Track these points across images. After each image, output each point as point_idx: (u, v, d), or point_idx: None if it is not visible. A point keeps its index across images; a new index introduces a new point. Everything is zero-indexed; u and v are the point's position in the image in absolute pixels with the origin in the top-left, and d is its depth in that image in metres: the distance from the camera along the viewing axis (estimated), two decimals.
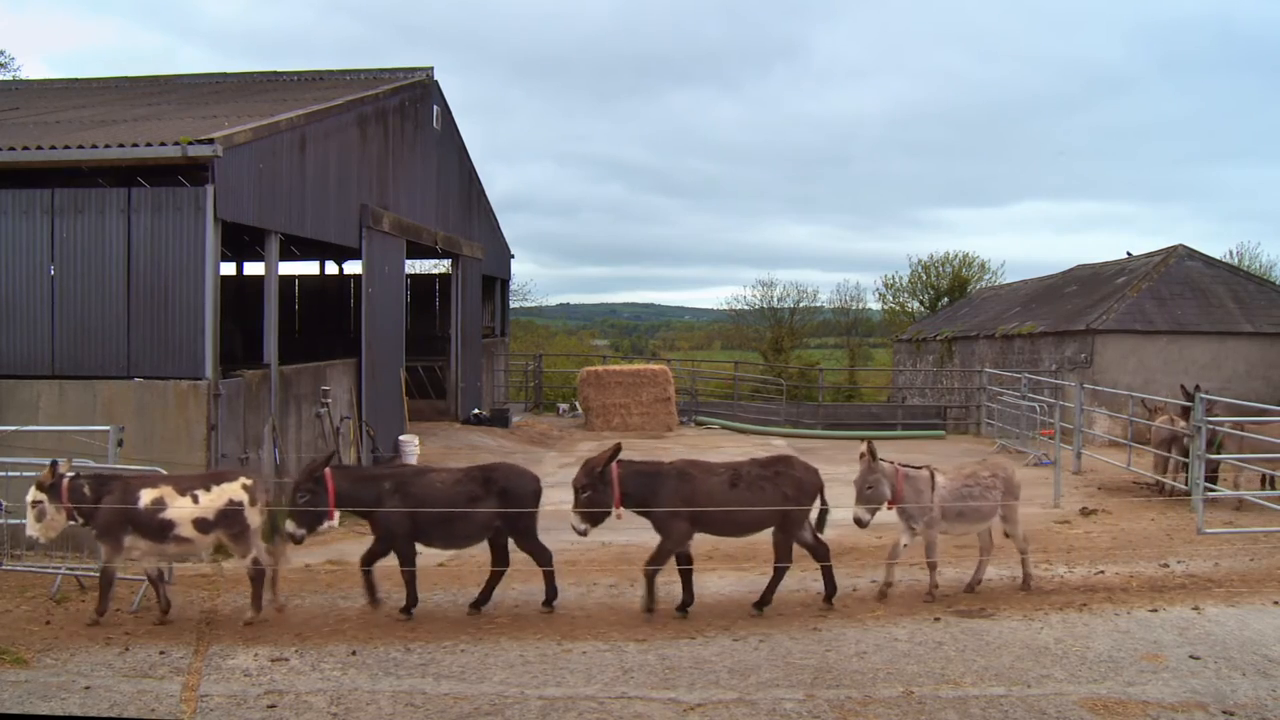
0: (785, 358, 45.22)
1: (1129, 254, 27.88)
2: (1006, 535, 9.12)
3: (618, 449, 8.28)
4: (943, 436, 22.73)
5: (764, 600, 8.35)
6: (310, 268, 25.18)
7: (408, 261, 19.77)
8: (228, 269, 22.68)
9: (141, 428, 10.71)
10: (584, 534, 8.23)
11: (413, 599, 8.28)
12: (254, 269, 23.22)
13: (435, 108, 20.12)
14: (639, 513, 8.34)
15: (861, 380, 43.69)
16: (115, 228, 11.16)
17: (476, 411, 22.20)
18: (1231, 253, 43.37)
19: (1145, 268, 24.67)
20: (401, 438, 16.28)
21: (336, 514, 8.20)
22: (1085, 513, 12.62)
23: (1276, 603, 8.48)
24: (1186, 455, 13.19)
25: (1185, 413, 13.85)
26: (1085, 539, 11.17)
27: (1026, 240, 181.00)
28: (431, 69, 19.79)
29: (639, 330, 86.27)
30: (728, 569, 9.85)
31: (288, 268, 23.65)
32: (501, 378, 26.76)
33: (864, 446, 8.41)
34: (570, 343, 50.55)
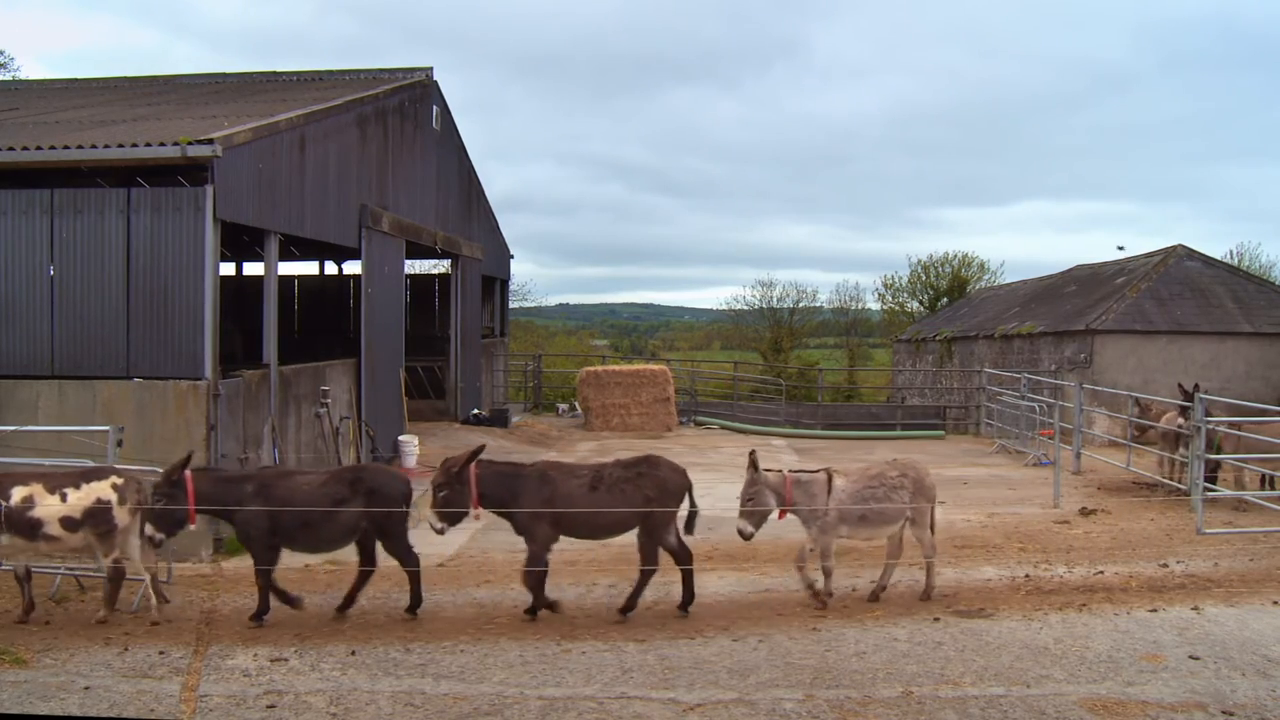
0: (785, 358, 45.22)
1: (1120, 248, 27.98)
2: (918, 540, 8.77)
3: (479, 450, 8.22)
4: (942, 437, 22.74)
5: (628, 605, 8.22)
6: (310, 268, 25.18)
7: (407, 262, 19.76)
8: (227, 269, 22.67)
9: (141, 428, 10.70)
10: (441, 532, 8.20)
11: (264, 606, 8.06)
12: (253, 269, 23.21)
13: (435, 108, 20.12)
14: (498, 513, 8.28)
15: (861, 380, 43.70)
16: (115, 228, 11.16)
17: (476, 412, 22.20)
18: (1231, 253, 43.42)
19: (1145, 268, 24.68)
20: (401, 438, 16.28)
21: (196, 517, 8.04)
22: (1085, 513, 12.62)
23: (1276, 603, 8.48)
24: (1184, 455, 13.21)
25: (1183, 412, 13.88)
26: (1085, 539, 11.17)
27: (1027, 240, 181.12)
28: (431, 69, 19.79)
29: (638, 330, 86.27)
30: (727, 569, 9.85)
31: (287, 268, 23.64)
32: (501, 378, 26.76)
33: (749, 456, 8.29)
34: (570, 343, 50.54)
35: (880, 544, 9.10)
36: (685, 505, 8.47)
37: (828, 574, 8.50)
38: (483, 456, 8.25)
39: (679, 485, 8.42)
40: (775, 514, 8.34)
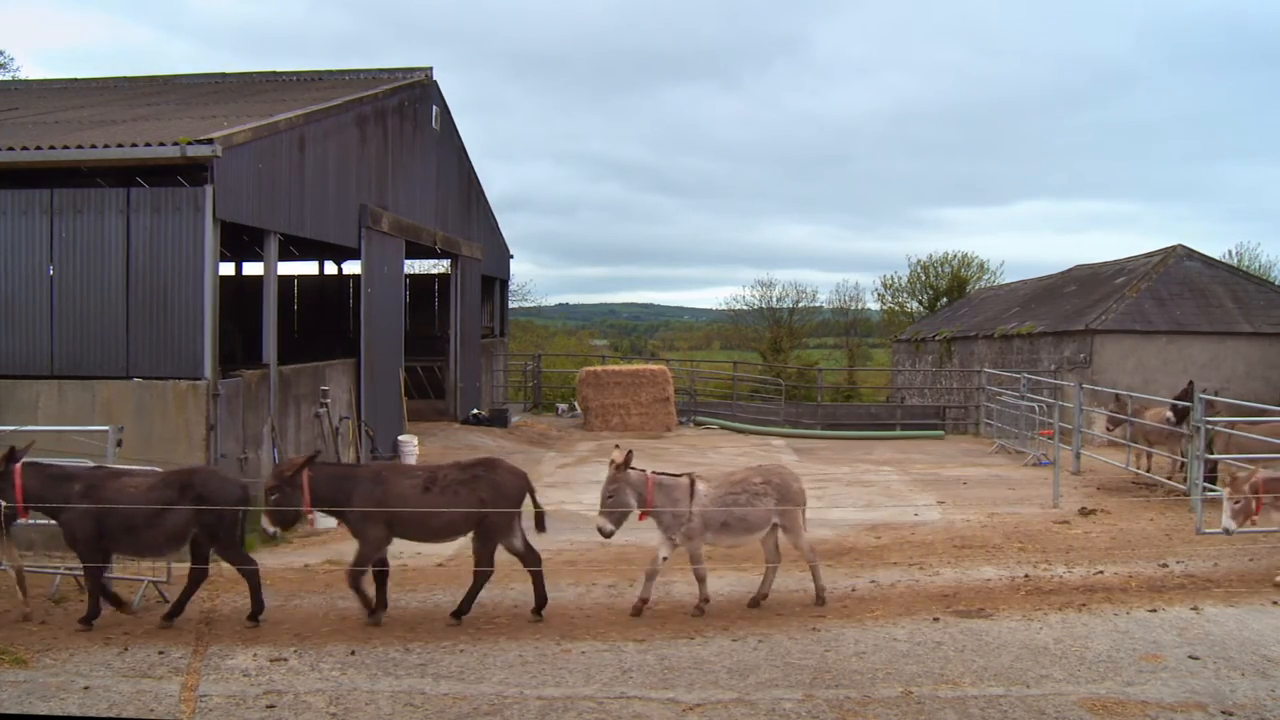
0: (784, 358, 45.22)
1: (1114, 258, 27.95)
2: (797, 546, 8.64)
3: (312, 456, 8.15)
4: (942, 437, 22.74)
5: (461, 609, 8.10)
6: (309, 268, 25.19)
7: (407, 261, 19.76)
8: (227, 269, 22.67)
9: (140, 428, 10.71)
10: (273, 536, 8.13)
11: (93, 610, 7.89)
12: (253, 269, 23.22)
13: (434, 108, 20.12)
14: (328, 512, 8.21)
15: (860, 380, 43.71)
16: (114, 228, 11.16)
17: (475, 412, 22.20)
18: (1231, 253, 43.49)
19: (1144, 268, 24.68)
20: (400, 438, 16.29)
21: (27, 513, 7.92)
22: (1084, 513, 12.63)
23: (1276, 603, 8.48)
24: (1181, 454, 13.23)
25: (1176, 410, 13.92)
26: (1084, 539, 11.18)
27: (1027, 240, 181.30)
28: (430, 69, 19.80)
29: (638, 330, 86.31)
30: (727, 569, 9.85)
31: (287, 268, 23.65)
32: (500, 378, 26.76)
33: (615, 455, 8.14)
34: (569, 343, 50.54)
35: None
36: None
37: (700, 579, 8.29)
38: (318, 460, 8.21)
39: (517, 488, 8.28)
40: (636, 515, 8.19)
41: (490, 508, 8.06)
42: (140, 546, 8.12)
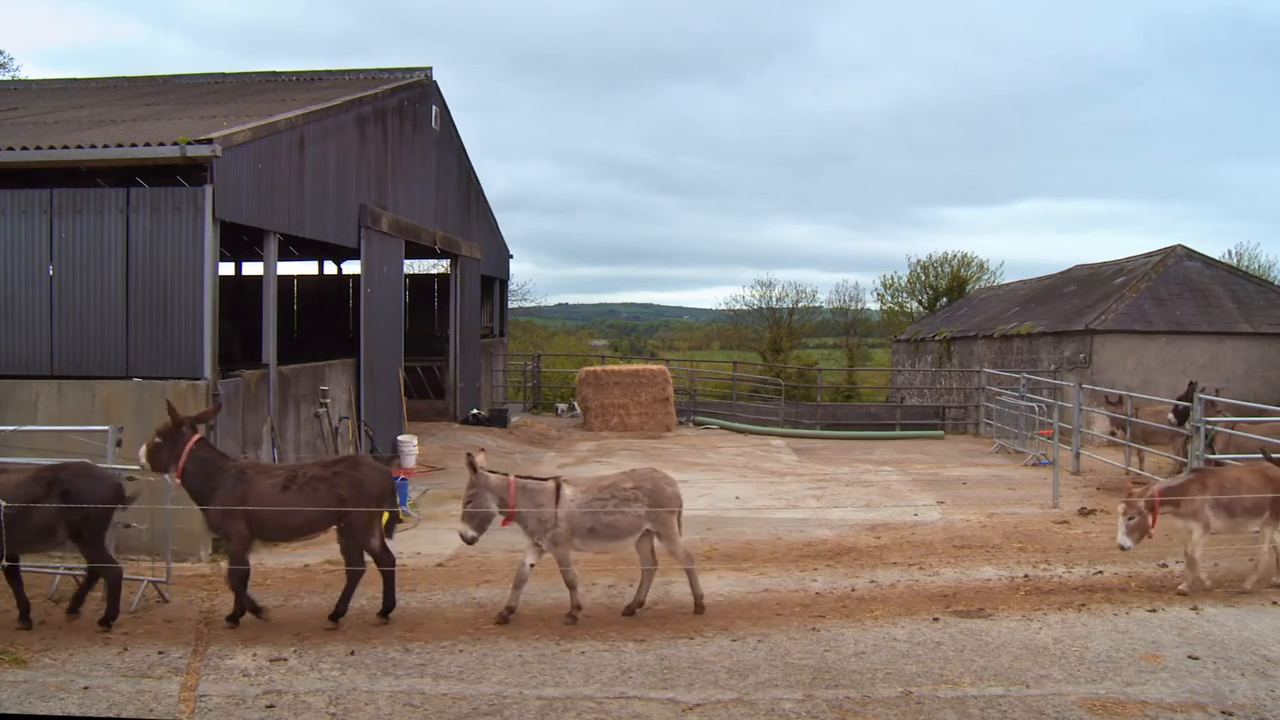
0: (784, 358, 45.22)
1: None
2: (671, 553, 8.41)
3: (203, 436, 8.12)
4: (942, 437, 22.74)
5: (337, 611, 8.02)
6: (309, 268, 25.19)
7: (406, 261, 19.76)
8: (226, 269, 22.67)
9: (140, 428, 10.67)
10: (141, 476, 8.07)
11: None
12: (253, 269, 23.21)
13: (434, 108, 20.12)
14: (192, 496, 8.13)
15: (860, 380, 43.71)
16: (114, 228, 11.16)
17: (475, 412, 22.19)
18: (1230, 253, 43.50)
19: (1144, 268, 24.69)
20: (400, 438, 16.28)
21: None
22: (1084, 513, 12.63)
23: (1275, 603, 8.49)
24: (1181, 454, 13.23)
25: (1176, 411, 13.94)
26: (1084, 539, 11.18)
27: (1028, 239, 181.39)
28: (430, 69, 19.79)
29: (637, 330, 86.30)
30: (726, 569, 9.85)
31: (286, 268, 23.64)
32: (500, 378, 26.75)
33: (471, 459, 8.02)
34: (569, 343, 50.56)
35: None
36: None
37: (571, 586, 8.10)
38: (209, 444, 8.25)
39: (378, 487, 8.18)
40: (498, 522, 8.04)
41: (350, 506, 7.96)
42: (12, 543, 7.88)
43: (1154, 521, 8.69)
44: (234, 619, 7.99)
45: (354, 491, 8.03)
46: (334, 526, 8.15)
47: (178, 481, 8.13)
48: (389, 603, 8.14)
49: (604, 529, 8.12)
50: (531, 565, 8.15)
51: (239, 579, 7.96)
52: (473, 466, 7.97)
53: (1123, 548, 8.77)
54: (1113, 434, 16.01)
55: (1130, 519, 8.63)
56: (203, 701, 6.42)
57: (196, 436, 8.09)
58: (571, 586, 8.13)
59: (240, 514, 7.92)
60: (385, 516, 8.22)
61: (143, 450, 8.07)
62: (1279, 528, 8.95)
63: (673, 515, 8.34)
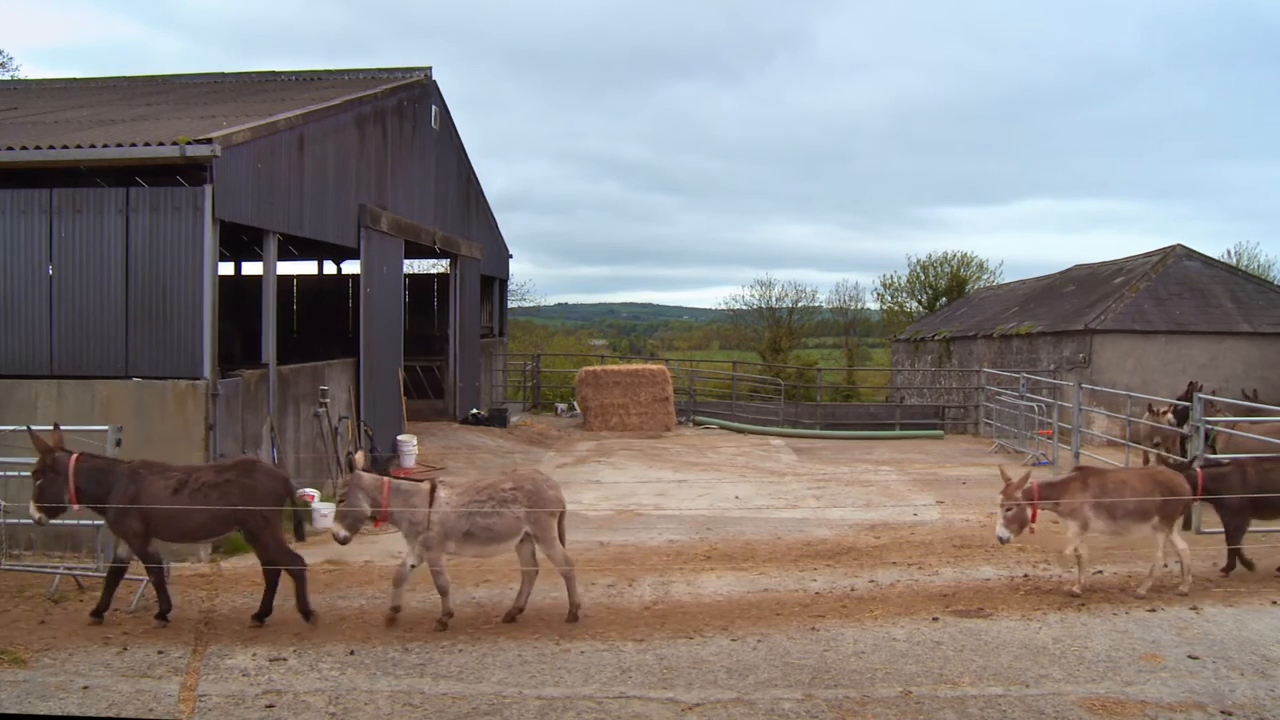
0: (783, 358, 45.23)
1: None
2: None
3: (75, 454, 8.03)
4: (941, 436, 22.75)
5: (261, 612, 8.05)
6: (308, 267, 25.18)
7: (406, 261, 19.75)
8: (226, 269, 22.67)
9: (140, 428, 10.69)
10: (40, 523, 8.01)
11: None
12: (252, 269, 23.21)
13: (433, 107, 20.12)
14: (93, 509, 8.14)
15: (860, 380, 43.74)
16: (113, 228, 11.16)
17: (475, 411, 22.20)
18: (1230, 252, 43.49)
19: (1143, 268, 24.70)
20: (399, 437, 16.29)
21: None
22: None
23: (1275, 603, 8.49)
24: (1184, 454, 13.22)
25: (1176, 411, 13.93)
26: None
27: (1028, 239, 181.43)
28: (430, 69, 19.79)
29: (637, 330, 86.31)
30: (726, 569, 9.85)
31: (286, 267, 23.64)
32: (500, 378, 26.76)
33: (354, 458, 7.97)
34: (568, 343, 50.57)
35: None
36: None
37: (442, 591, 7.95)
38: (86, 452, 8.18)
39: (272, 491, 8.13)
40: (370, 523, 7.99)
41: (242, 512, 7.96)
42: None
43: (1034, 515, 8.58)
44: (162, 615, 8.02)
45: (247, 497, 7.99)
46: (238, 529, 8.17)
47: (76, 508, 8.03)
48: (265, 609, 8.09)
49: (480, 532, 7.95)
50: (412, 566, 7.97)
51: (158, 577, 8.03)
52: (349, 466, 7.94)
53: (1001, 539, 8.62)
54: (1157, 444, 15.61)
55: (1008, 510, 8.49)
56: (202, 701, 6.42)
57: (75, 456, 8.01)
58: (443, 592, 7.96)
59: (135, 513, 7.93)
60: (292, 518, 8.28)
61: (31, 506, 7.93)
62: (1172, 531, 8.80)
63: (553, 518, 8.13)
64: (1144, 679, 6.73)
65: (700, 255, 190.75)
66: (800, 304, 50.32)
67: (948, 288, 47.50)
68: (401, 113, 18.25)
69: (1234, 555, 9.39)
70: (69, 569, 9.12)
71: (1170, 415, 14.65)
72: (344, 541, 7.90)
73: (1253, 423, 13.35)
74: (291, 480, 8.65)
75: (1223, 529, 9.52)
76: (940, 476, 16.03)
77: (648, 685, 6.68)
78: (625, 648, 7.44)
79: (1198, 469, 9.38)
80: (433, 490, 7.96)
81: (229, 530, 8.27)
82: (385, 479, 8.02)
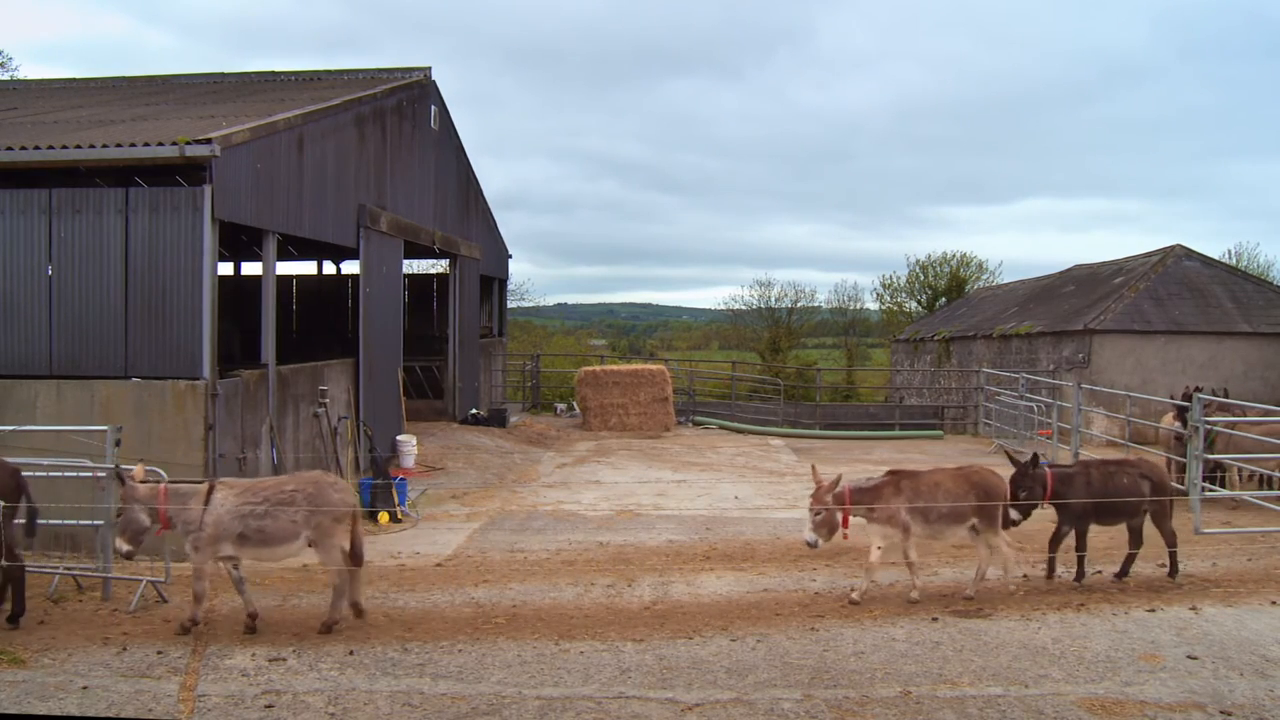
0: (783, 358, 45.25)
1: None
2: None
3: None
4: (941, 436, 22.75)
5: (14, 613, 7.93)
6: (308, 268, 25.19)
7: (405, 261, 19.76)
8: (225, 269, 22.67)
9: (139, 428, 10.70)
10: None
11: None
12: (252, 269, 23.21)
13: (433, 107, 20.12)
14: None
15: (859, 380, 43.74)
16: (113, 228, 11.15)
17: (474, 411, 22.20)
18: (1229, 252, 43.56)
19: (1143, 268, 24.71)
20: (399, 437, 16.28)
21: None
22: None
23: (1274, 603, 8.49)
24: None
25: (1179, 412, 13.93)
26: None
27: (1029, 239, 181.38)
28: (429, 69, 19.79)
29: (636, 330, 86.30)
30: (725, 569, 9.85)
31: (285, 268, 23.64)
32: (499, 378, 26.76)
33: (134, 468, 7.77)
34: (568, 343, 50.54)
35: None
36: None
37: (198, 598, 7.71)
38: None
39: (2, 485, 7.99)
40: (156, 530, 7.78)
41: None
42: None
43: (845, 520, 8.39)
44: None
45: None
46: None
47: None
48: (18, 609, 7.99)
49: (254, 534, 7.72)
50: (199, 568, 7.74)
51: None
52: (120, 479, 7.77)
53: (809, 544, 8.42)
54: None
55: (816, 514, 8.33)
56: (202, 701, 6.42)
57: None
58: (198, 598, 7.73)
59: None
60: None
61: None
62: (993, 532, 8.69)
63: (338, 522, 7.85)
64: (1143, 679, 6.73)
65: (700, 255, 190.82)
66: (800, 304, 50.43)
67: (947, 288, 47.53)
68: (401, 113, 18.25)
69: (1081, 560, 9.23)
70: (68, 569, 9.12)
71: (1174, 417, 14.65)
72: (128, 556, 7.78)
73: (1253, 423, 13.34)
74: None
75: (1065, 529, 9.27)
76: None
77: (647, 685, 6.68)
78: (625, 648, 7.44)
79: (1046, 468, 9.11)
80: (209, 491, 7.76)
81: None
82: (161, 485, 7.80)
